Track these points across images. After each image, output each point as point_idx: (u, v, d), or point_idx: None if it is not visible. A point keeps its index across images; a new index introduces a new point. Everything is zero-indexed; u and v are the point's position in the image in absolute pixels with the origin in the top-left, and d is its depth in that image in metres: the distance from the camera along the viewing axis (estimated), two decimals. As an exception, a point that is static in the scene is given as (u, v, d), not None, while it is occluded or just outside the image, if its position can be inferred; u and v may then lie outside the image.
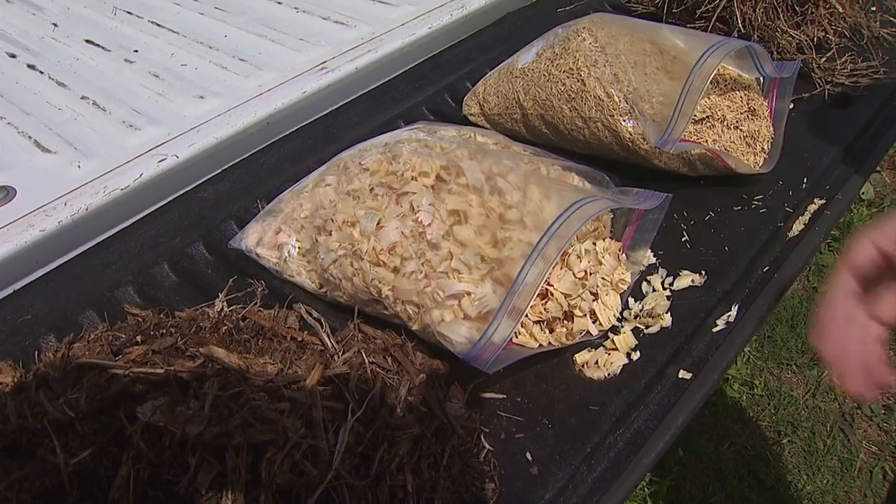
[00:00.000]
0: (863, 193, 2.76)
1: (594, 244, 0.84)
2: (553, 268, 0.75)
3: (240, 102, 1.19)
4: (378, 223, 0.79)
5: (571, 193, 0.79)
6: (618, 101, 0.96)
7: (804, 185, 1.01)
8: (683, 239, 0.95)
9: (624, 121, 0.95)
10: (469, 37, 1.41)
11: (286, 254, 0.88)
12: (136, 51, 1.38)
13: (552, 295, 0.77)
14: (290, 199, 0.91)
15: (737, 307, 0.85)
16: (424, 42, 1.36)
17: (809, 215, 0.97)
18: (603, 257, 0.83)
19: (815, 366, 2.31)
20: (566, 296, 0.78)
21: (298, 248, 0.87)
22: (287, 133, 1.19)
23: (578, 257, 0.80)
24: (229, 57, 1.34)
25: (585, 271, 0.79)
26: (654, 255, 0.92)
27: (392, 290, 0.77)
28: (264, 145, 1.17)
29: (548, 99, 1.01)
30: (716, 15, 1.23)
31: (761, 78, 1.08)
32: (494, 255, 0.75)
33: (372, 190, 0.83)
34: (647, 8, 1.38)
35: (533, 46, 1.08)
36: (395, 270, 0.78)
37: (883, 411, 2.20)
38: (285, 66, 1.29)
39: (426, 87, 1.24)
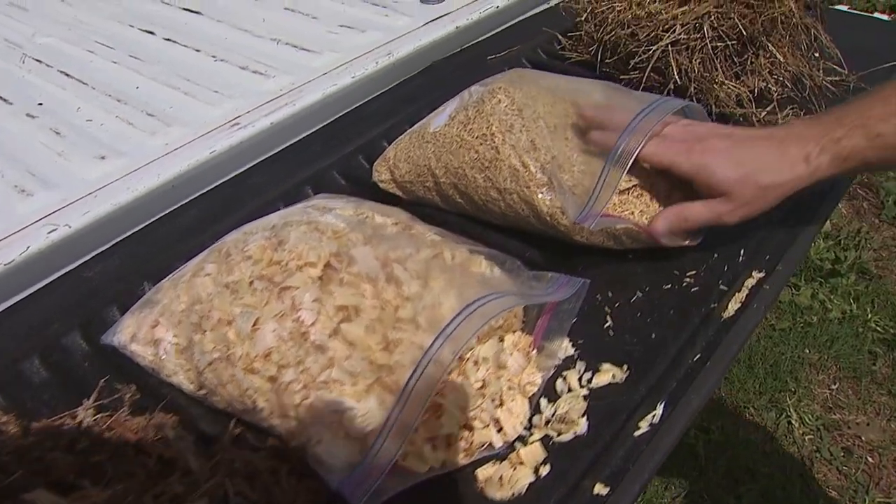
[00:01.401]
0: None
1: (501, 340, 0.75)
2: (449, 375, 0.67)
3: (142, 164, 1.10)
4: (254, 324, 0.71)
5: (475, 288, 0.70)
6: (534, 171, 0.87)
7: (740, 258, 0.93)
8: (606, 325, 0.86)
9: (541, 193, 0.87)
10: (393, 87, 1.33)
11: (162, 351, 0.78)
12: (41, 104, 1.29)
13: (446, 408, 0.69)
14: (168, 289, 0.81)
15: (662, 405, 0.77)
16: (346, 93, 1.27)
17: (747, 291, 0.89)
18: (511, 354, 0.75)
19: (774, 408, 2.25)
20: (462, 409, 0.69)
21: (176, 345, 0.78)
22: (189, 200, 1.10)
23: (476, 364, 0.71)
24: (138, 111, 1.24)
25: (483, 381, 0.70)
26: (573, 345, 0.83)
27: (267, 403, 0.68)
28: (163, 214, 1.07)
29: (460, 167, 0.92)
30: (650, 65, 1.16)
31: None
32: (383, 361, 0.66)
33: (251, 283, 0.74)
34: (581, 56, 1.31)
35: (446, 108, 0.99)
36: (272, 380, 0.69)
37: (842, 454, 2.15)
38: (196, 121, 1.20)
39: (341, 146, 1.15)
